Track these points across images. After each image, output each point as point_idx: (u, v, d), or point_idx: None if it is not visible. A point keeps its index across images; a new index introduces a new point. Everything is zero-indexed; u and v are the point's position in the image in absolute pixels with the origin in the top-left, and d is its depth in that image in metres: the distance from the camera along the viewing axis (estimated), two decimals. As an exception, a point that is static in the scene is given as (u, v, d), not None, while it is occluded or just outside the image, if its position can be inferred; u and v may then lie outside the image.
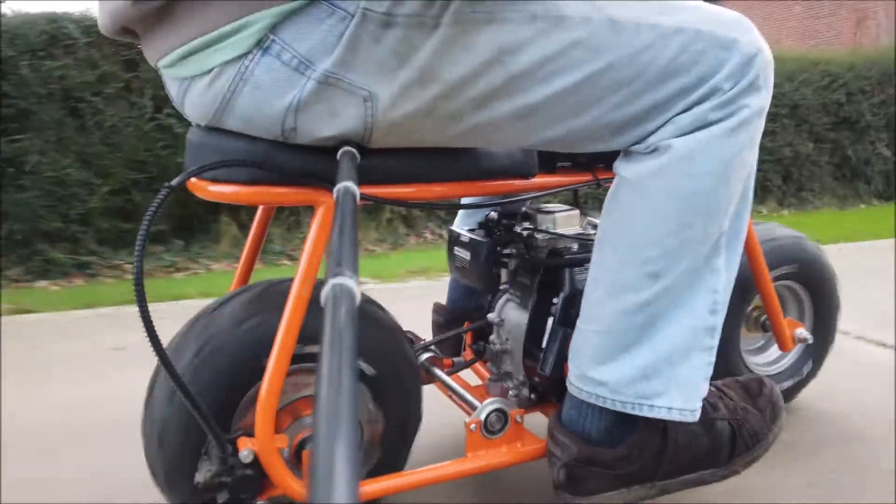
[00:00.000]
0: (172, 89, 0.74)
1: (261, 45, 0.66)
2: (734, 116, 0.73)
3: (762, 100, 0.75)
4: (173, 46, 0.68)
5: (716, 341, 0.80)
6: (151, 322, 0.65)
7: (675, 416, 0.78)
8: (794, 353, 1.28)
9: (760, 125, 0.76)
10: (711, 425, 0.88)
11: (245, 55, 0.66)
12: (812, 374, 1.31)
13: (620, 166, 0.78)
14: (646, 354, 0.78)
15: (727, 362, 1.17)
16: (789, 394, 1.28)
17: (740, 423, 0.90)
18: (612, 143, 0.77)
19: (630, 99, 0.72)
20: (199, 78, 0.69)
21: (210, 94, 0.69)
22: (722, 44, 0.72)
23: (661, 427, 0.84)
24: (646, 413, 0.78)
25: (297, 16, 0.65)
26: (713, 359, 0.81)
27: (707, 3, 0.77)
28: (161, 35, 0.68)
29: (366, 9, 0.65)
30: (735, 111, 0.73)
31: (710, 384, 0.95)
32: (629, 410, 0.79)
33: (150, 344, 0.66)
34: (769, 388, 0.98)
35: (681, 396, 0.78)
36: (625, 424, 0.82)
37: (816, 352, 1.29)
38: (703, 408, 0.87)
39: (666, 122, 0.74)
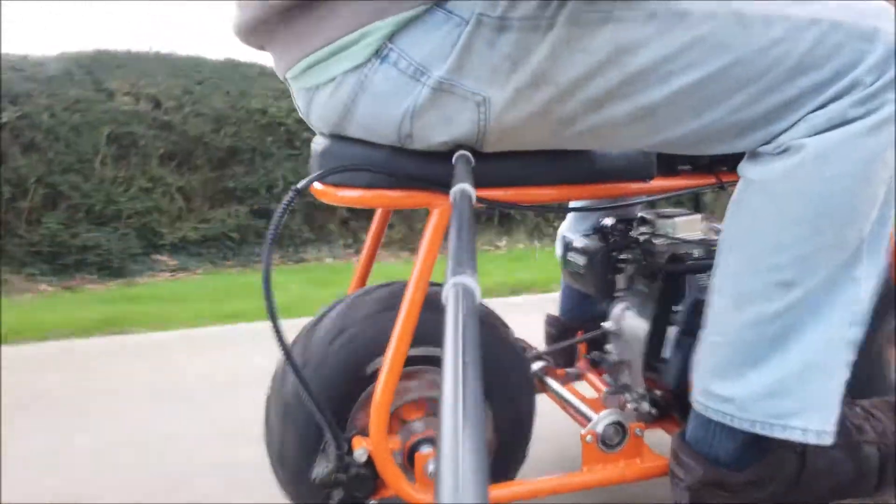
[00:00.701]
0: (300, 100, 0.77)
1: (379, 53, 0.67)
2: (876, 113, 0.66)
3: None
4: (298, 58, 0.71)
5: (852, 357, 0.73)
6: (277, 320, 0.68)
7: (810, 439, 0.72)
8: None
9: None
10: (857, 450, 0.80)
11: (364, 64, 0.68)
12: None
13: (746, 168, 0.73)
14: (778, 369, 0.72)
15: (875, 381, 1.07)
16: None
17: (890, 448, 0.81)
18: (737, 143, 0.72)
19: (758, 97, 0.68)
20: (323, 87, 0.71)
21: (332, 102, 0.71)
22: (862, 35, 0.66)
23: (798, 450, 0.77)
24: (777, 434, 0.72)
25: (413, 24, 0.67)
26: (848, 376, 0.73)
27: None
28: (288, 47, 0.72)
29: (481, 14, 0.65)
30: (877, 107, 0.66)
31: (857, 404, 0.87)
32: (759, 430, 0.73)
33: (277, 342, 0.69)
34: (924, 411, 0.88)
35: (817, 416, 0.72)
36: (756, 446, 0.76)
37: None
38: (848, 430, 0.80)
39: (798, 121, 0.69)
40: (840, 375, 0.73)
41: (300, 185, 0.71)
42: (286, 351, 0.71)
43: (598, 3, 0.65)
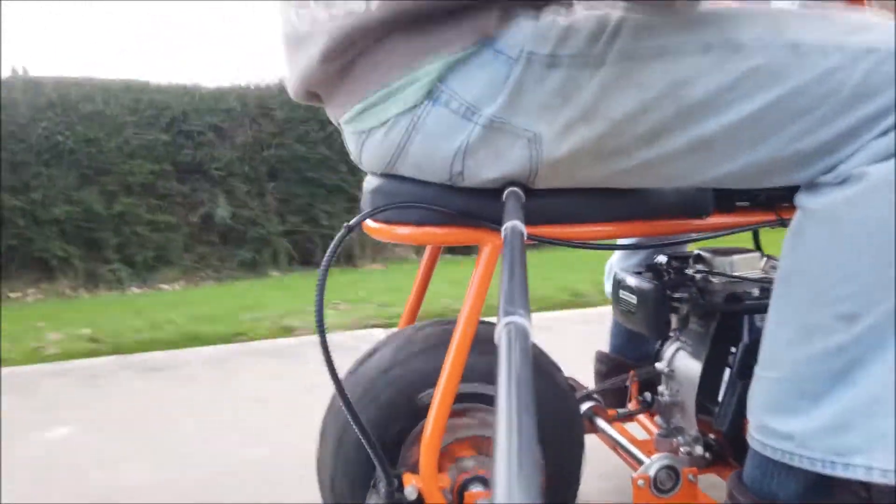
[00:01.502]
0: (351, 143, 0.79)
1: (431, 95, 0.69)
2: None
3: None
4: (352, 103, 0.73)
5: None
6: (331, 358, 0.69)
7: (875, 478, 0.68)
8: None
9: None
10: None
11: (417, 106, 0.69)
12: None
13: (806, 199, 0.71)
14: (841, 404, 0.69)
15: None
16: None
17: None
18: (797, 175, 0.70)
19: (816, 126, 0.66)
20: (376, 130, 0.73)
21: (385, 144, 0.73)
22: None
23: (861, 491, 0.73)
24: (840, 472, 0.69)
25: (463, 64, 0.68)
26: None
27: None
28: (342, 94, 0.74)
29: (530, 52, 0.66)
30: None
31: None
32: (819, 469, 0.69)
33: (329, 375, 0.70)
34: None
35: (882, 454, 0.68)
36: (817, 486, 0.72)
37: None
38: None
39: (858, 149, 0.67)
40: None
41: (352, 222, 0.73)
42: (338, 383, 0.71)
43: (650, 38, 0.65)
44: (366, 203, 0.79)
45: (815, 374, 0.69)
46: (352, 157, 0.82)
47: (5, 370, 2.10)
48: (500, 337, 0.35)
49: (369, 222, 0.79)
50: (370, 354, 0.82)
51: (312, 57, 0.71)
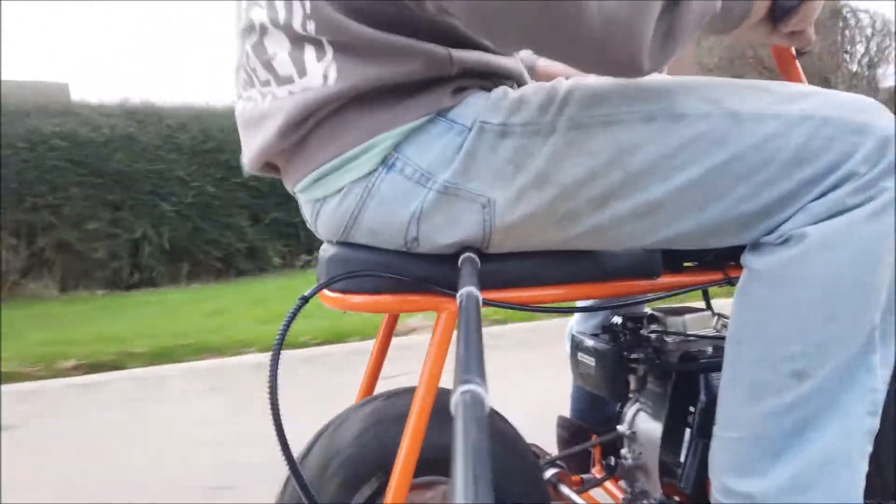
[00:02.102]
0: (306, 211, 0.80)
1: (385, 162, 0.70)
2: (875, 200, 0.68)
3: None
4: (307, 172, 0.73)
5: (870, 447, 0.70)
6: (285, 437, 0.66)
7: None
8: None
9: None
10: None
11: (371, 173, 0.70)
12: None
13: (750, 259, 0.73)
14: (798, 463, 0.69)
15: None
16: None
17: None
18: (741, 236, 0.73)
19: (758, 190, 0.69)
20: (331, 198, 0.73)
21: (340, 211, 0.73)
22: (853, 128, 0.69)
23: None
24: None
25: (417, 133, 0.70)
26: (867, 467, 0.70)
27: (833, 90, 0.74)
28: (298, 164, 0.74)
29: (483, 122, 0.69)
30: (875, 195, 0.68)
31: (888, 506, 0.82)
32: None
33: (284, 458, 0.67)
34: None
35: None
36: None
37: None
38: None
39: (798, 211, 0.70)
40: (861, 467, 0.70)
41: (307, 293, 0.72)
42: (292, 466, 0.68)
43: (597, 108, 0.68)
44: (321, 272, 0.79)
45: (770, 432, 0.70)
46: (308, 226, 0.82)
47: None
48: (456, 406, 0.34)
49: (326, 292, 0.78)
50: (323, 431, 0.79)
51: (270, 132, 0.72)
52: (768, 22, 0.76)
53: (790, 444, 0.69)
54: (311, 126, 0.71)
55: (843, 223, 0.68)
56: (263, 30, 0.72)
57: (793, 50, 0.90)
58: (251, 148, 0.77)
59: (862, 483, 0.70)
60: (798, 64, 0.92)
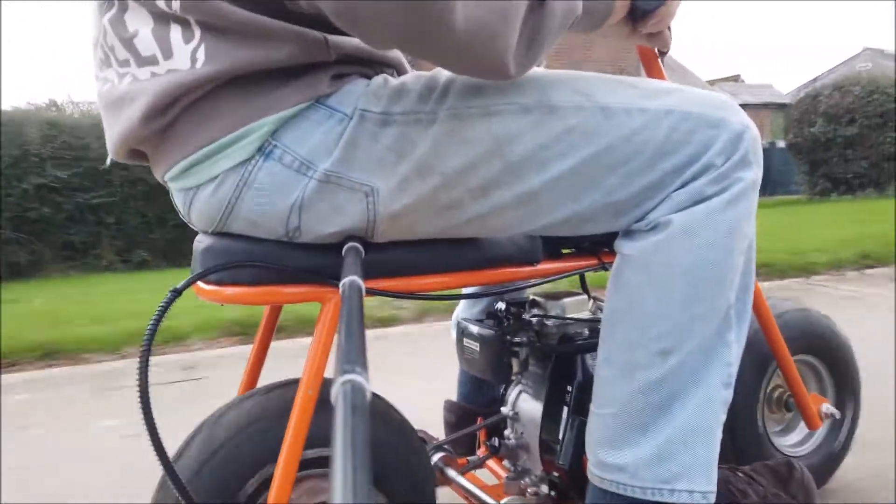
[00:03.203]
0: (178, 200, 0.75)
1: (262, 150, 0.67)
2: (729, 190, 0.74)
3: (754, 173, 0.76)
4: (176, 160, 0.69)
5: (724, 417, 0.77)
6: (157, 433, 0.63)
7: (696, 500, 0.74)
8: (823, 430, 1.23)
9: (755, 198, 0.77)
10: (744, 514, 0.83)
11: (247, 161, 0.68)
12: (843, 451, 1.25)
13: (622, 245, 0.78)
14: (663, 434, 0.75)
15: (753, 446, 1.13)
16: (821, 475, 1.22)
17: None
18: (613, 223, 0.77)
19: (627, 179, 0.73)
20: (204, 187, 0.70)
21: (215, 200, 0.70)
22: (710, 123, 0.74)
23: None
24: (666, 499, 0.74)
25: (296, 120, 0.68)
26: (721, 434, 0.78)
27: (693, 88, 0.80)
28: (166, 151, 0.70)
29: (363, 110, 0.68)
30: (730, 185, 0.74)
31: (739, 470, 0.91)
32: (650, 497, 0.74)
33: (156, 455, 0.64)
34: (800, 472, 0.94)
35: (701, 477, 0.75)
36: None
37: (845, 427, 1.24)
38: (733, 495, 0.83)
39: (664, 200, 0.75)
40: (717, 436, 0.76)
41: (179, 285, 0.68)
42: (165, 463, 0.65)
43: (476, 99, 0.69)
44: (196, 264, 0.75)
45: (640, 408, 0.75)
46: (181, 216, 0.77)
47: None
48: (337, 396, 0.34)
49: (200, 284, 0.74)
50: (202, 426, 0.76)
51: (133, 116, 0.67)
52: (629, 23, 0.81)
53: (657, 417, 0.75)
54: (178, 111, 0.67)
55: (703, 211, 0.73)
56: (123, 3, 0.67)
57: (656, 50, 0.96)
58: (112, 133, 0.72)
59: (717, 450, 0.77)
60: (660, 63, 0.98)
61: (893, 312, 2.72)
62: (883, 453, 1.41)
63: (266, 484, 0.69)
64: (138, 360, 0.62)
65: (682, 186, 0.74)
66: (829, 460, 1.24)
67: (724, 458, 0.79)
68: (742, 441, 1.12)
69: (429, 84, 0.70)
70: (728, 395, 0.76)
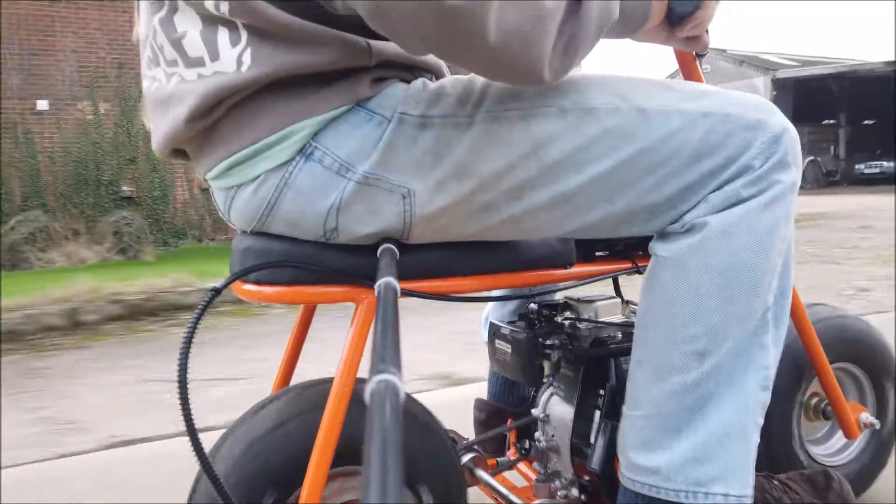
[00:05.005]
0: (219, 200, 0.77)
1: (303, 152, 0.69)
2: (767, 192, 0.73)
3: (793, 175, 0.75)
4: (219, 159, 0.71)
5: (762, 420, 0.76)
6: (195, 428, 0.65)
7: (732, 503, 0.73)
8: (862, 440, 1.20)
9: (794, 200, 0.76)
10: (780, 523, 0.81)
11: (288, 162, 0.69)
12: (882, 462, 1.22)
13: (657, 247, 0.77)
14: (698, 437, 0.74)
15: (788, 454, 1.10)
16: (860, 486, 1.19)
17: None
18: (648, 225, 0.77)
19: (663, 181, 0.73)
20: (245, 186, 0.72)
21: (255, 200, 0.71)
22: (748, 125, 0.73)
23: None
24: (701, 501, 0.73)
25: (336, 122, 0.69)
26: (759, 438, 0.76)
27: (731, 90, 0.79)
28: (209, 150, 0.72)
29: (402, 113, 0.69)
30: (768, 187, 0.73)
31: (774, 478, 0.89)
32: (683, 500, 0.74)
33: (193, 450, 0.66)
34: (837, 482, 0.92)
35: (736, 480, 0.74)
36: None
37: (885, 437, 1.21)
38: (768, 502, 0.81)
39: (700, 202, 0.74)
40: (754, 439, 0.75)
41: (220, 284, 0.70)
42: (202, 458, 0.67)
43: (513, 101, 0.70)
44: (235, 263, 0.77)
45: (674, 410, 0.74)
46: (221, 215, 0.79)
47: None
48: (371, 395, 0.35)
49: (240, 283, 0.76)
50: (239, 423, 0.78)
51: (179, 116, 0.69)
52: (666, 27, 0.80)
53: (692, 419, 0.74)
54: (222, 112, 0.69)
55: (740, 213, 0.72)
56: (173, 4, 0.69)
57: (693, 52, 0.95)
58: (158, 132, 0.74)
59: (754, 453, 0.76)
60: (698, 65, 0.97)
61: None
62: None
63: (298, 481, 0.70)
64: (178, 359, 0.64)
65: (719, 188, 0.73)
66: (867, 470, 1.20)
67: (757, 466, 0.78)
68: (776, 448, 1.10)
69: (467, 87, 0.71)
70: (766, 398, 0.75)
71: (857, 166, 22.92)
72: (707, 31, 0.84)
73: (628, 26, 0.73)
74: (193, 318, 0.65)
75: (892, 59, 20.28)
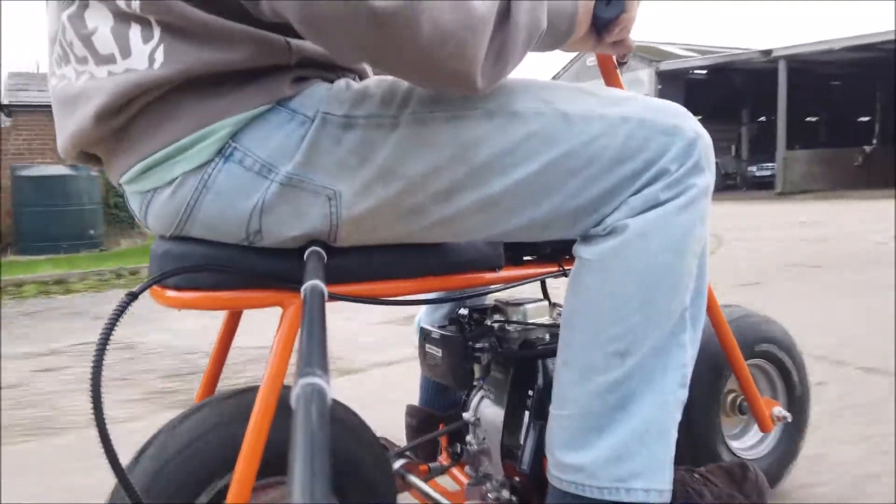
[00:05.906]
0: (134, 204, 0.74)
1: (222, 153, 0.67)
2: (683, 195, 0.76)
3: (706, 179, 0.78)
4: (132, 162, 0.68)
5: (680, 417, 0.79)
6: (110, 440, 0.61)
7: (652, 499, 0.75)
8: (775, 433, 1.26)
9: (708, 203, 0.79)
10: (700, 515, 0.84)
11: (207, 164, 0.67)
12: (794, 453, 1.29)
13: (580, 249, 0.79)
14: (620, 434, 0.76)
15: (709, 448, 1.15)
16: (774, 476, 1.25)
17: None
18: (573, 229, 0.78)
19: (586, 185, 0.75)
20: (162, 190, 0.69)
21: (173, 204, 0.69)
22: (665, 130, 0.76)
23: None
24: (623, 498, 0.75)
25: (256, 122, 0.67)
26: (676, 434, 0.79)
27: (647, 97, 0.82)
28: (122, 153, 0.69)
29: (326, 113, 0.68)
30: (683, 190, 0.76)
31: (694, 471, 0.92)
32: (607, 496, 0.75)
33: (109, 464, 0.62)
34: (754, 473, 0.96)
35: (657, 476, 0.76)
36: None
37: (796, 430, 1.28)
38: (689, 494, 0.84)
39: (620, 205, 0.76)
40: (673, 435, 0.78)
41: (136, 289, 0.66)
42: (119, 471, 0.63)
43: (439, 103, 0.70)
44: (153, 268, 0.73)
45: (597, 408, 0.76)
46: (137, 219, 0.76)
47: None
48: (297, 399, 0.34)
49: (158, 289, 0.73)
50: (158, 434, 0.74)
51: (86, 115, 0.66)
52: (593, 34, 0.82)
53: (614, 417, 0.76)
54: (134, 111, 0.66)
55: (658, 215, 0.75)
56: (83, 1, 0.66)
57: (614, 59, 0.98)
58: (64, 132, 0.70)
59: (673, 449, 0.78)
60: (619, 71, 1.00)
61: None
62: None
63: (223, 493, 0.68)
64: (91, 365, 0.61)
65: (638, 192, 0.76)
66: (781, 461, 1.27)
67: (680, 461, 0.81)
68: (700, 445, 1.14)
69: (391, 88, 0.70)
70: (683, 395, 0.78)
71: (749, 168, 21.61)
72: (630, 36, 0.87)
73: (557, 37, 0.75)
74: (108, 323, 0.62)
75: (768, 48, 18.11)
